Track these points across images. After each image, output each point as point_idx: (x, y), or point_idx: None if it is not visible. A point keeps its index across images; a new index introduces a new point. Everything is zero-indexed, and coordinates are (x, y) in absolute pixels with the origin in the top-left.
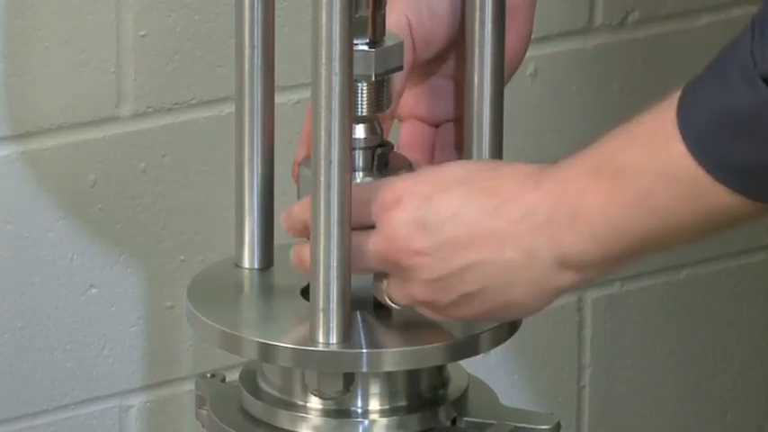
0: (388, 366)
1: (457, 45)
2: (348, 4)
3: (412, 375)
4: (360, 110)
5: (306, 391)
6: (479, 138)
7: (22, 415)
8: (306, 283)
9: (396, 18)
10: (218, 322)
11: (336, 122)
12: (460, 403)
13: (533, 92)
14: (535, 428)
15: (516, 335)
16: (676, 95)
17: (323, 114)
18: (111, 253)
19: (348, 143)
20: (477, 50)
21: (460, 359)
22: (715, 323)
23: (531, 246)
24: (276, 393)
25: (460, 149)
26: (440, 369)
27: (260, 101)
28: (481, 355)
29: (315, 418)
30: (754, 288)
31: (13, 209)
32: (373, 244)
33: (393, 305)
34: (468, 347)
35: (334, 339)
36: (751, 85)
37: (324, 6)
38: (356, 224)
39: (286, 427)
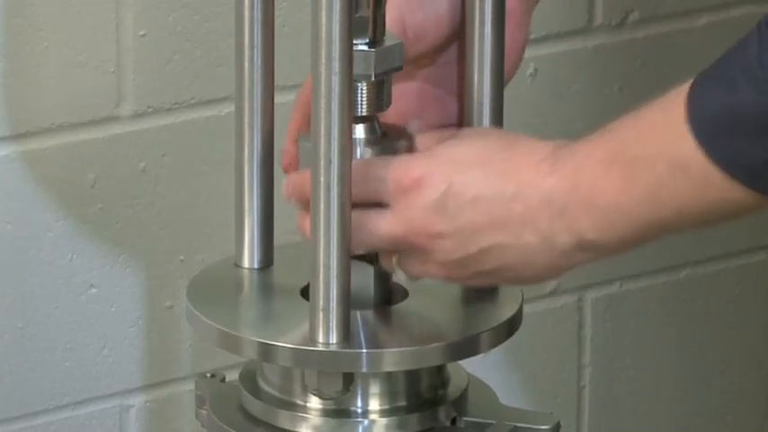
0: (388, 366)
1: (450, 42)
2: (348, 3)
3: (412, 375)
4: (359, 110)
5: (305, 390)
6: None
7: (21, 415)
8: (305, 283)
9: (390, 11)
10: (217, 322)
11: (336, 122)
12: (460, 403)
13: (533, 92)
14: (535, 428)
15: (516, 335)
16: (684, 89)
17: (322, 114)
18: (110, 253)
19: (348, 143)
20: (476, 50)
21: (460, 359)
22: (715, 323)
23: (550, 231)
24: (276, 393)
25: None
26: (440, 369)
27: (260, 101)
28: (481, 355)
29: (314, 418)
30: (753, 288)
31: (13, 209)
32: (387, 225)
33: (402, 276)
34: (467, 347)
35: (333, 339)
36: (755, 87)
37: (324, 6)
38: (367, 201)
39: (286, 426)
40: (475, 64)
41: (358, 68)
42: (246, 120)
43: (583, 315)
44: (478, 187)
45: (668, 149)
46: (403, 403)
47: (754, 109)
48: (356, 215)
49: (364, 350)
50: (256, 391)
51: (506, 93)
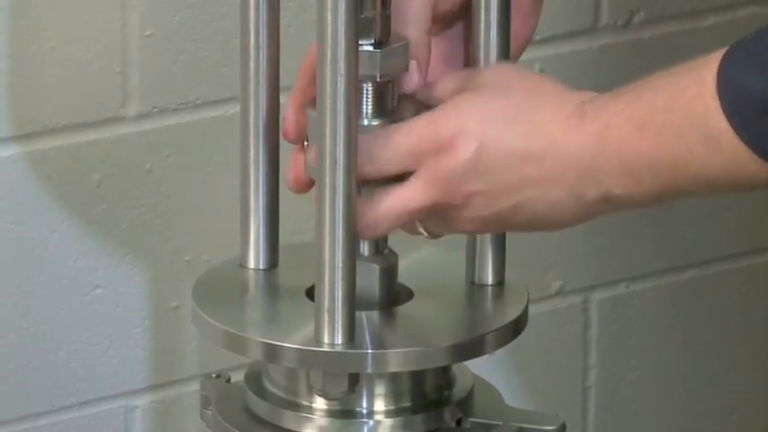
0: (394, 367)
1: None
2: (354, 4)
3: (417, 376)
4: (365, 110)
5: (311, 391)
6: None
7: (26, 415)
8: (311, 284)
9: None
10: (223, 323)
11: (342, 123)
12: (466, 404)
13: None
14: (540, 429)
15: (521, 335)
16: (715, 59)
17: (328, 115)
18: (116, 253)
19: (354, 144)
20: (482, 34)
21: (466, 360)
22: (720, 323)
23: (578, 187)
24: (281, 394)
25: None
26: (445, 370)
27: (265, 101)
28: (486, 356)
29: (320, 419)
30: (759, 288)
31: (18, 209)
32: (417, 194)
33: (427, 235)
34: (473, 348)
35: (339, 340)
36: None
37: (329, 7)
38: (388, 174)
39: (291, 427)
40: (480, 47)
41: (363, 69)
42: (252, 120)
43: (588, 316)
44: (510, 145)
45: (699, 121)
46: (408, 404)
47: None
48: (377, 196)
49: (369, 351)
50: (262, 392)
51: None
